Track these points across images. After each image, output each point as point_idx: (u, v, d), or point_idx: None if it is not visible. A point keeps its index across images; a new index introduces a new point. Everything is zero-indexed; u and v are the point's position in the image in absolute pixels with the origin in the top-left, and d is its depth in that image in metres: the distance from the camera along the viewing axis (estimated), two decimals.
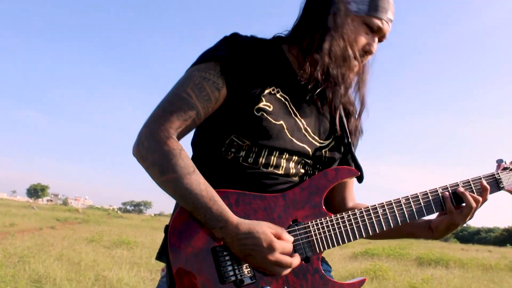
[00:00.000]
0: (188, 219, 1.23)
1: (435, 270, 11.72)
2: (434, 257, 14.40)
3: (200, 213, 1.18)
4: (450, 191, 1.41)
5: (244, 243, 1.17)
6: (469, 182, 1.44)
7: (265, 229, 1.18)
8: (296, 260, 1.22)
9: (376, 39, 1.40)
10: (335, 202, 1.60)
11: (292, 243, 1.26)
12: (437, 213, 1.44)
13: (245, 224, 1.19)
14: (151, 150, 1.21)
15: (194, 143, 1.45)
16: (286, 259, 1.19)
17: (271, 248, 1.17)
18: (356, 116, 1.54)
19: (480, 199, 1.40)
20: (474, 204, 1.37)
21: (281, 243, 1.19)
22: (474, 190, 1.42)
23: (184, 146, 1.25)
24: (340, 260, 13.33)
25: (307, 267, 1.28)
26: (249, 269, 1.23)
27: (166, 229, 1.25)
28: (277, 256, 1.17)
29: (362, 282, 1.31)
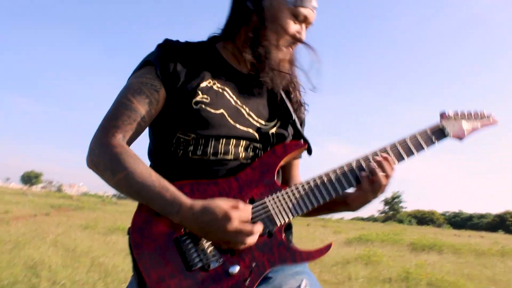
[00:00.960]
0: (147, 215, 1.25)
1: (428, 255, 11.82)
2: (427, 242, 14.52)
3: (156, 203, 1.20)
4: (360, 168, 1.42)
5: (202, 221, 1.17)
6: (385, 149, 1.45)
7: (219, 203, 1.19)
8: (257, 227, 1.21)
9: (304, 27, 1.48)
10: (283, 182, 1.63)
11: (252, 219, 1.26)
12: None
13: (199, 202, 1.19)
14: (101, 156, 1.25)
15: (149, 153, 1.51)
16: (246, 226, 1.18)
17: (227, 218, 1.16)
18: (296, 92, 1.60)
19: (389, 172, 1.39)
20: (384, 180, 1.38)
21: (237, 211, 1.18)
22: (393, 156, 1.44)
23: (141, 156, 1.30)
24: (334, 246, 13.37)
25: (272, 241, 1.30)
26: (214, 252, 1.25)
27: (129, 230, 1.27)
28: (236, 224, 1.17)
29: (328, 247, 1.33)
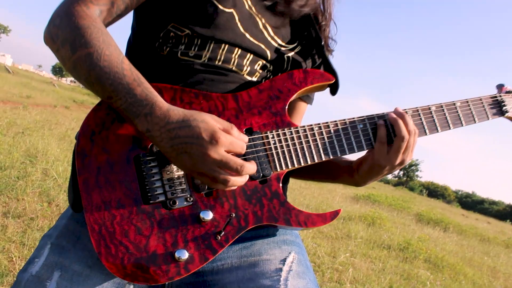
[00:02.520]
0: (105, 117, 0.92)
1: (433, 230, 11.61)
2: (434, 217, 14.30)
3: (120, 97, 0.87)
4: (381, 118, 1.09)
5: (177, 135, 0.85)
6: (417, 110, 1.12)
7: (206, 117, 0.86)
8: (250, 166, 0.88)
9: None
10: None
11: (245, 156, 0.96)
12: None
13: (179, 110, 0.87)
14: (62, 26, 0.91)
15: (127, 45, 1.16)
16: (234, 158, 0.85)
17: (212, 140, 0.84)
18: (327, 22, 1.22)
19: (415, 130, 1.06)
20: (406, 135, 1.04)
21: (229, 137, 0.86)
22: (424, 122, 1.11)
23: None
24: (340, 200, 13.24)
25: (263, 190, 0.97)
26: (184, 186, 0.93)
27: (77, 134, 0.94)
28: (223, 153, 0.84)
29: (335, 213, 1.00)
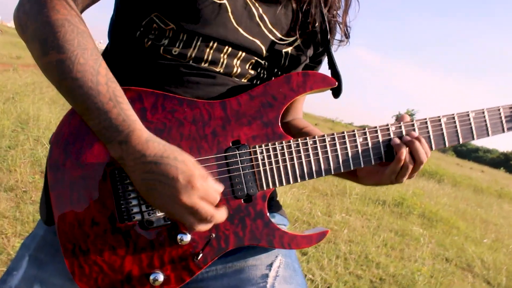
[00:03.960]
0: (80, 125, 0.85)
1: (427, 182, 11.73)
2: (429, 169, 14.40)
3: (93, 117, 0.79)
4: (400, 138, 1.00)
5: (151, 170, 0.78)
6: (426, 122, 1.03)
7: (187, 158, 0.80)
8: (220, 214, 0.84)
9: None
10: None
11: (230, 173, 0.90)
12: None
13: (160, 143, 0.80)
14: (33, 17, 0.80)
15: (109, 28, 1.04)
16: (206, 207, 0.80)
17: (189, 185, 0.78)
18: (341, 11, 1.10)
19: (423, 157, 0.98)
20: (410, 163, 0.98)
21: (205, 184, 0.80)
22: (432, 135, 1.02)
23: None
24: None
25: (247, 209, 0.92)
26: None
27: (51, 139, 0.87)
28: (196, 200, 0.79)
29: (322, 234, 0.96)
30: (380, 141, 1.00)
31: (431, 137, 1.02)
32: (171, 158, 0.78)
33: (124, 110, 0.79)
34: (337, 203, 6.17)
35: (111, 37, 1.02)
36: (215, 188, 0.83)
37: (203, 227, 0.83)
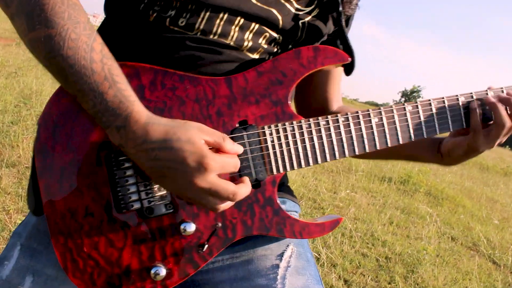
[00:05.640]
0: (72, 104, 0.77)
1: None
2: None
3: (87, 100, 0.71)
4: (477, 100, 0.94)
5: (157, 157, 0.70)
6: (502, 90, 0.96)
7: (193, 136, 0.70)
8: (244, 188, 0.75)
9: None
10: (312, 102, 1.12)
11: (237, 157, 0.80)
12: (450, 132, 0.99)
13: (160, 125, 0.71)
14: None
15: (107, 4, 0.94)
16: (226, 186, 0.71)
17: (201, 168, 0.69)
18: None
19: None
20: (508, 123, 0.90)
21: (220, 159, 0.71)
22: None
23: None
24: None
25: (256, 195, 0.85)
26: (163, 191, 0.80)
27: (39, 121, 0.79)
28: (212, 180, 0.70)
29: (336, 222, 0.90)
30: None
31: None
32: (175, 140, 0.69)
33: (121, 91, 0.71)
34: (343, 180, 6.13)
35: (109, 11, 0.93)
36: (234, 151, 0.75)
37: (227, 206, 0.75)
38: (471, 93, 0.96)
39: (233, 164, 0.74)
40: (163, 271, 0.80)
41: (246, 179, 0.78)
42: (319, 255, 3.30)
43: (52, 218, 0.77)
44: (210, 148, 0.72)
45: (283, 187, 1.04)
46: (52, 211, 0.76)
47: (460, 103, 0.95)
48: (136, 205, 0.79)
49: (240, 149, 0.76)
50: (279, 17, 0.89)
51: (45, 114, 0.77)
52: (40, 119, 0.78)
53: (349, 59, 0.90)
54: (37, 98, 5.50)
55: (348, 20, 1.04)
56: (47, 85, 6.37)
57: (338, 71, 1.10)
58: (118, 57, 0.75)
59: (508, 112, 0.91)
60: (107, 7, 0.94)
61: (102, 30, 0.92)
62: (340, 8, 0.95)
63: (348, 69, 0.95)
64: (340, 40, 0.98)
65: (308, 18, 0.93)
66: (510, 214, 7.19)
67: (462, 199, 7.02)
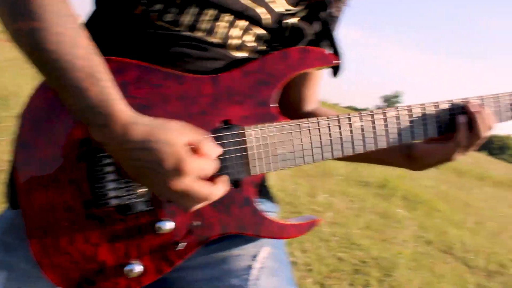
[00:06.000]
0: (55, 98, 0.76)
1: None
2: None
3: (69, 96, 0.69)
4: (462, 108, 0.98)
5: (137, 157, 0.70)
6: (481, 99, 1.02)
7: (173, 137, 0.70)
8: (218, 189, 0.76)
9: None
10: (286, 100, 1.12)
11: (218, 156, 0.80)
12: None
13: (141, 125, 0.70)
14: None
15: None
16: (201, 189, 0.71)
17: (177, 171, 0.69)
18: None
19: (492, 125, 0.97)
20: (486, 134, 0.95)
21: (196, 162, 0.71)
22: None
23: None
24: None
25: (234, 195, 0.86)
26: (143, 189, 0.81)
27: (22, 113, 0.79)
28: (188, 183, 0.70)
29: (313, 223, 0.91)
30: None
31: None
32: (154, 141, 0.69)
33: (105, 88, 0.70)
34: (321, 184, 6.18)
35: (97, 3, 0.93)
36: (211, 153, 0.74)
37: (201, 206, 0.76)
38: (451, 100, 0.99)
39: (209, 168, 0.74)
40: (138, 268, 0.80)
41: (224, 178, 0.78)
42: (296, 259, 3.33)
43: (28, 212, 0.76)
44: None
45: (263, 188, 1.05)
46: (29, 205, 0.76)
47: (439, 111, 0.98)
48: (115, 202, 0.79)
49: (218, 151, 0.77)
50: (267, 16, 0.90)
51: (28, 108, 0.77)
52: (22, 111, 0.78)
53: (337, 61, 0.92)
54: (15, 100, 5.42)
55: (336, 21, 1.07)
56: (24, 86, 6.28)
57: (317, 73, 1.12)
58: (104, 51, 0.75)
59: (484, 123, 0.95)
60: (95, 0, 0.94)
61: (90, 22, 0.92)
62: (329, 10, 0.98)
63: (336, 71, 0.96)
64: (328, 41, 0.99)
65: (295, 19, 0.95)
66: (483, 218, 7.35)
67: (437, 203, 7.14)
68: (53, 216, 0.77)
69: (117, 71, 0.77)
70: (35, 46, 0.68)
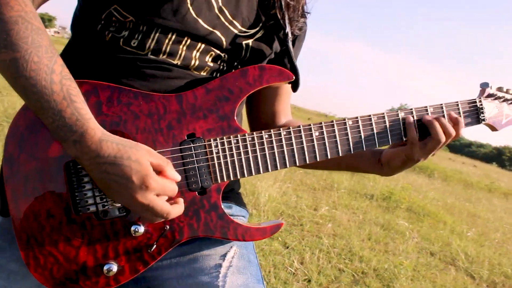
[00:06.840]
0: (36, 118, 0.86)
1: (417, 176, 11.82)
2: (420, 163, 14.46)
3: (47, 116, 0.79)
4: (415, 116, 1.07)
5: (106, 170, 0.80)
6: (441, 107, 1.09)
7: (141, 156, 0.81)
8: (177, 209, 0.86)
9: None
10: (261, 116, 1.23)
11: (184, 166, 0.93)
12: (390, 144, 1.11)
13: (113, 143, 0.81)
14: None
15: (73, 20, 1.04)
16: (162, 206, 0.82)
17: (143, 186, 0.79)
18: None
19: (453, 132, 1.05)
20: (443, 138, 1.04)
21: (161, 181, 0.82)
22: (446, 120, 1.07)
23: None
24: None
25: (202, 201, 0.95)
26: None
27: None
28: (151, 198, 0.81)
29: (277, 227, 0.99)
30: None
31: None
32: (125, 158, 0.79)
33: (78, 109, 0.80)
34: (324, 197, 6.21)
35: (74, 31, 1.04)
36: (174, 178, 0.85)
37: (160, 220, 0.86)
38: (411, 109, 1.08)
39: (172, 189, 0.85)
40: (115, 268, 0.89)
41: (181, 200, 0.89)
42: (295, 270, 3.36)
43: (17, 219, 0.86)
44: (154, 171, 0.82)
45: (232, 193, 1.14)
46: (17, 213, 0.86)
47: (400, 119, 1.07)
48: (92, 208, 0.88)
49: (178, 177, 0.87)
50: (223, 38, 1.00)
51: (13, 127, 0.87)
52: (8, 131, 0.87)
53: (293, 77, 1.00)
54: None
55: (295, 40, 1.15)
56: None
57: (286, 88, 1.21)
58: (80, 75, 0.86)
59: (443, 129, 1.04)
60: (72, 27, 1.05)
61: (68, 49, 1.02)
62: (287, 29, 1.07)
63: (294, 85, 1.07)
64: (287, 59, 1.09)
65: (252, 40, 1.04)
66: (489, 229, 7.31)
67: (443, 215, 7.13)
68: (38, 222, 0.87)
69: (91, 92, 0.88)
70: (16, 74, 0.78)
